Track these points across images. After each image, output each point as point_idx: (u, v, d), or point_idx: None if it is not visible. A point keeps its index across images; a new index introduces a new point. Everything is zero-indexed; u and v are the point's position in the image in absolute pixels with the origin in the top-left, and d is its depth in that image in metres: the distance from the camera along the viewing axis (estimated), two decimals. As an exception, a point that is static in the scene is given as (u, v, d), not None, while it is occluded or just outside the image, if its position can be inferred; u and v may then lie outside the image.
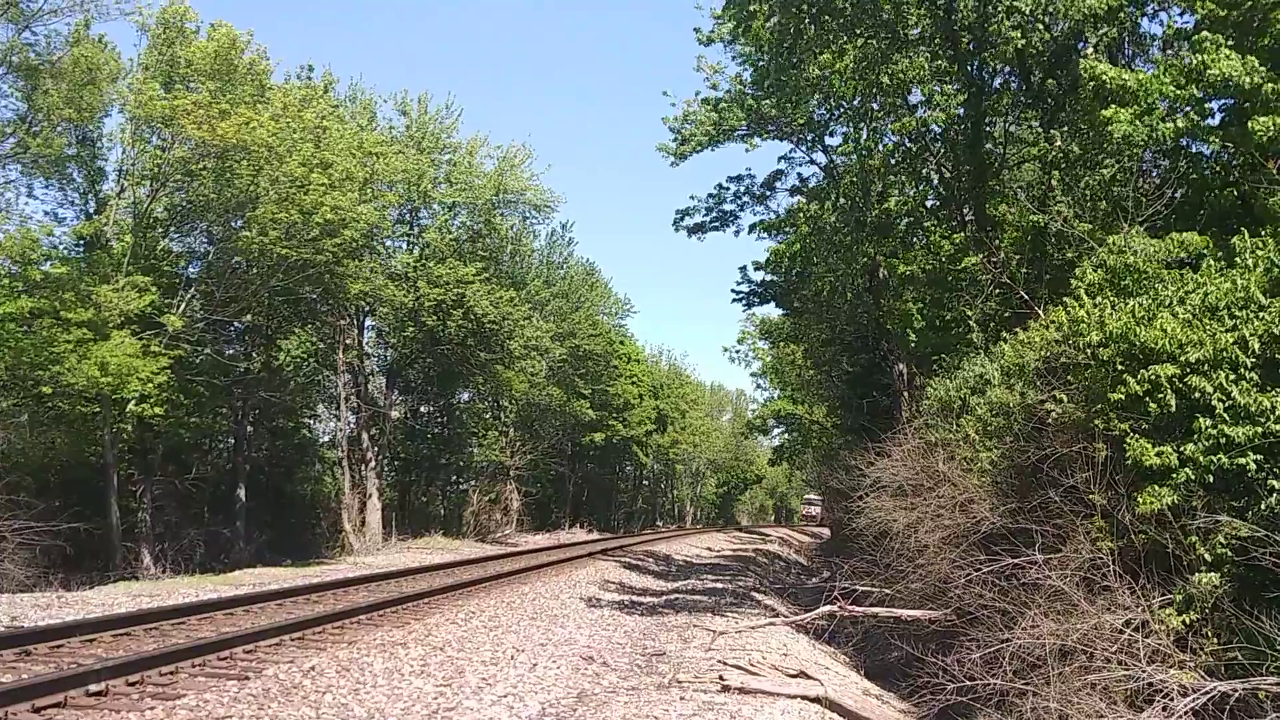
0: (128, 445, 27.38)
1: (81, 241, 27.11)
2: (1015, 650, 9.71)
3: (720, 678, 10.82)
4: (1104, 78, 13.40)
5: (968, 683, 9.79)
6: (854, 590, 14.18)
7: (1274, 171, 11.45)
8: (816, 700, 10.34)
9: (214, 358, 29.03)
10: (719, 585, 23.48)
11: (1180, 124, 13.06)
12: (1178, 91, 12.89)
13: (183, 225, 29.29)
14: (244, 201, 26.65)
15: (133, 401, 24.41)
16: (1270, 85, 11.92)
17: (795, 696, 10.34)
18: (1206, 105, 13.45)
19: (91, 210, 27.72)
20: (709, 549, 41.02)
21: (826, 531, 58.82)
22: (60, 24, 24.58)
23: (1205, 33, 12.77)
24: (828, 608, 14.08)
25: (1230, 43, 12.66)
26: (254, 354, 33.57)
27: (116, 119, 27.38)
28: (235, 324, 31.62)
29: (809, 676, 11.26)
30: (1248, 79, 11.97)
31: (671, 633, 15.10)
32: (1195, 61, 12.53)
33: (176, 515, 29.52)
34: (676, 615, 17.22)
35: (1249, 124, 11.70)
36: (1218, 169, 14.03)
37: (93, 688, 8.97)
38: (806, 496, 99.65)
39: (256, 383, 32.27)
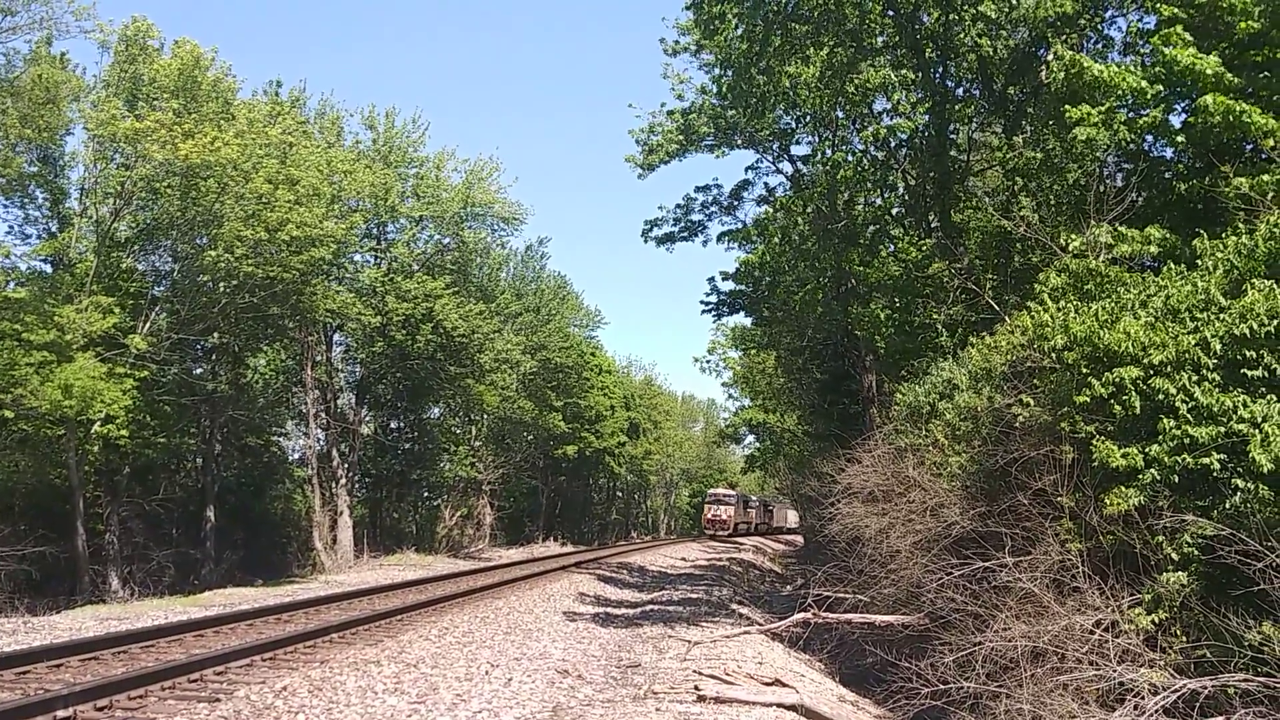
0: (94, 467, 26.98)
1: (46, 261, 26.78)
2: (988, 653, 9.77)
3: (696, 688, 10.80)
4: (1077, 67, 13.55)
5: (941, 686, 9.85)
6: (828, 597, 14.22)
7: (1228, 174, 11.61)
8: (792, 708, 10.36)
9: (181, 377, 28.70)
10: (694, 595, 23.48)
11: (1143, 120, 13.24)
12: (1145, 86, 13.06)
13: (147, 244, 28.95)
14: (209, 219, 26.40)
15: (98, 423, 24.09)
16: (1227, 75, 12.13)
17: (771, 705, 10.35)
18: (1171, 104, 13.65)
19: (54, 229, 27.37)
20: (683, 559, 41.03)
21: (800, 539, 58.81)
22: (19, 41, 24.33)
23: (1167, 29, 12.98)
24: (802, 615, 14.14)
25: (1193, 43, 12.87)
26: (221, 372, 33.15)
27: (80, 136, 27.09)
28: (202, 343, 31.30)
29: (784, 684, 11.27)
30: (1208, 68, 12.17)
31: (647, 644, 15.06)
32: (1160, 58, 12.72)
33: (144, 537, 29.13)
34: (651, 626, 17.18)
35: (1202, 100, 11.88)
36: (1180, 169, 14.22)
37: (60, 713, 8.88)
38: (711, 492, 71.37)
39: (224, 401, 31.88)
